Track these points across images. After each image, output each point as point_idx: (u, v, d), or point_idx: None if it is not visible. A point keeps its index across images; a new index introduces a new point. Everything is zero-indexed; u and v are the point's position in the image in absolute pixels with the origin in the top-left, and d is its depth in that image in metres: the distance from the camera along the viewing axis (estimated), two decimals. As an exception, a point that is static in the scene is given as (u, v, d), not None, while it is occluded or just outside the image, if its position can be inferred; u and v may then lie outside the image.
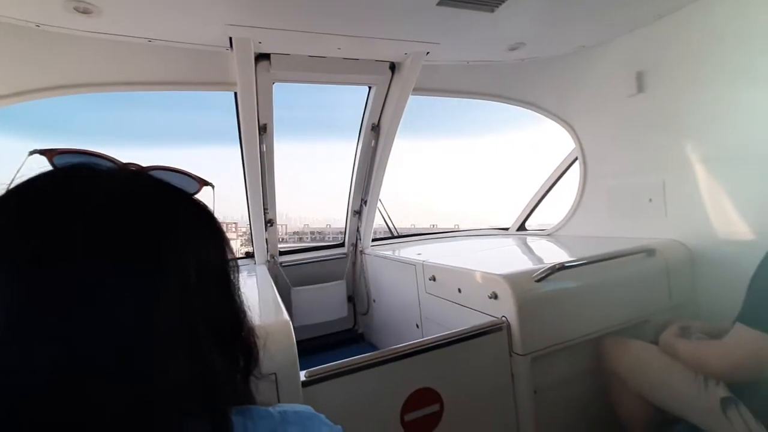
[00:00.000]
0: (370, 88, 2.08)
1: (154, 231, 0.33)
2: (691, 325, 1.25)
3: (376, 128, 2.20)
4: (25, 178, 0.33)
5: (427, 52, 1.80)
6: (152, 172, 0.41)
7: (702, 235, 1.68)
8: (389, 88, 2.03)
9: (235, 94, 1.78)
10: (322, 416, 0.41)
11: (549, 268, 1.36)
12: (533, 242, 2.39)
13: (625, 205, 2.04)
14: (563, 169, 2.58)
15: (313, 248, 2.76)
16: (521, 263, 1.88)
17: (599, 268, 1.49)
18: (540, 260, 1.95)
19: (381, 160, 2.28)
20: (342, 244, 2.75)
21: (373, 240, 2.74)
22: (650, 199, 1.89)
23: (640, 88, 1.87)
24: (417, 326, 1.99)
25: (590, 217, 2.27)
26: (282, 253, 2.57)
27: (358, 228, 2.62)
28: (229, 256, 0.40)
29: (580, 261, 1.47)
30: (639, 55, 1.86)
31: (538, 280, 1.35)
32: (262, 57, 1.63)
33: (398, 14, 1.46)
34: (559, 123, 2.40)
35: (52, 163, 0.40)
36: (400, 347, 1.22)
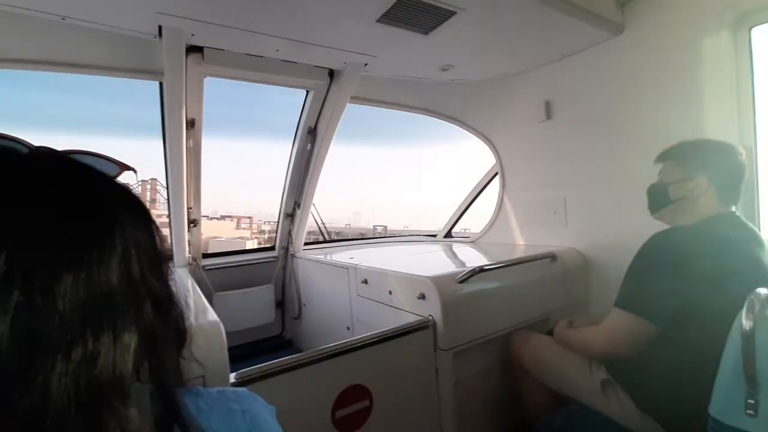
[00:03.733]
0: (307, 91, 2.10)
1: (94, 211, 0.33)
2: (576, 319, 1.46)
3: (312, 132, 2.21)
4: None
5: (365, 64, 1.88)
6: (72, 156, 0.40)
7: (595, 244, 1.97)
8: (327, 93, 2.06)
9: (161, 84, 1.67)
10: (258, 396, 0.44)
11: (470, 271, 1.49)
12: (458, 248, 2.58)
13: (536, 217, 2.30)
14: (485, 182, 2.83)
15: (241, 251, 2.66)
16: (446, 266, 2.03)
17: (512, 271, 1.68)
18: (463, 264, 2.11)
19: (316, 164, 2.29)
20: (272, 248, 2.69)
21: (305, 244, 2.72)
22: (555, 212, 2.16)
23: (548, 115, 2.15)
24: (348, 328, 2.02)
25: (507, 226, 2.52)
26: (206, 256, 2.43)
27: (290, 231, 2.59)
28: (158, 240, 0.40)
29: (496, 264, 1.64)
30: (548, 87, 2.13)
31: (461, 282, 1.48)
32: (193, 49, 1.55)
33: (339, 24, 1.51)
34: (482, 140, 2.63)
35: None
36: (332, 346, 1.25)
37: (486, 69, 2.11)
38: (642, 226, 1.20)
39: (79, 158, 0.40)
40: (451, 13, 1.47)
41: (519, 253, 2.03)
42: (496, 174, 2.65)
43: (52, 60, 1.41)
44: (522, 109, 2.30)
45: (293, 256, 2.62)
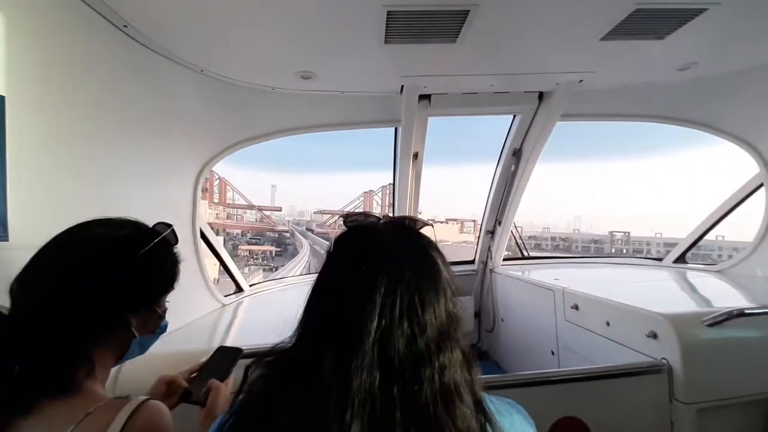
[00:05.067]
0: (514, 115, 2.17)
1: (426, 258, 0.51)
2: None
3: (517, 153, 2.27)
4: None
5: (581, 80, 1.80)
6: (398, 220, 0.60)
7: None
8: (535, 115, 2.08)
9: (396, 129, 2.07)
10: (523, 409, 0.55)
11: (725, 313, 1.25)
12: (696, 278, 2.13)
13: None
14: (741, 197, 2.23)
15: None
16: (684, 302, 1.72)
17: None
18: (708, 301, 1.75)
19: (520, 184, 2.33)
20: (472, 261, 2.86)
21: (504, 259, 2.77)
22: None
23: None
24: (552, 353, 1.98)
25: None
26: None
27: (489, 247, 2.70)
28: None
29: (765, 308, 1.31)
30: None
31: (710, 325, 1.25)
32: (423, 97, 1.87)
33: (555, 49, 1.52)
34: (738, 144, 2.09)
35: (345, 221, 0.60)
36: (546, 373, 1.28)
37: (741, 60, 1.68)
38: None
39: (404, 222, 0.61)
40: (699, 11, 1.28)
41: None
42: (760, 186, 2.06)
43: (329, 123, 1.99)
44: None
45: (492, 271, 2.72)
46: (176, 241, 0.71)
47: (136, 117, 1.29)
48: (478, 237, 2.78)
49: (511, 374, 1.24)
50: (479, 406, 0.47)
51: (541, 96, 1.99)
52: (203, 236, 1.86)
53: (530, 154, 2.18)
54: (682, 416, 1.23)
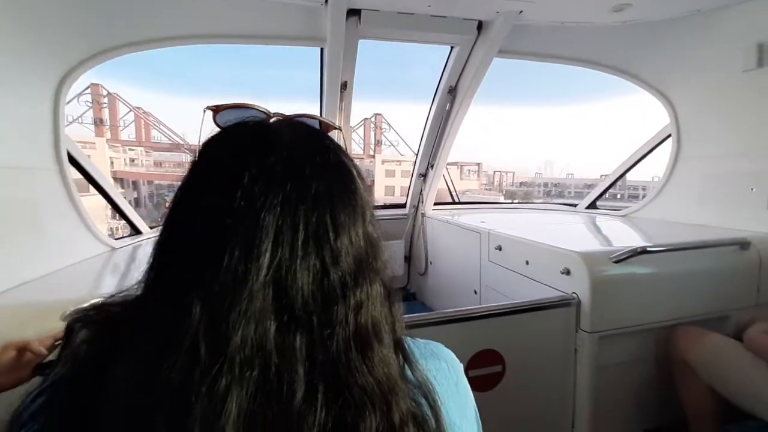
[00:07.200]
0: (451, 48, 2.02)
1: (339, 168, 0.38)
2: None
3: (452, 91, 2.15)
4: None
5: (521, 11, 1.69)
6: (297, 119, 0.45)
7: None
8: (473, 48, 1.95)
9: (322, 50, 1.81)
10: (452, 353, 0.47)
11: (630, 251, 1.32)
12: (606, 222, 2.29)
13: (721, 192, 1.87)
14: (650, 147, 2.38)
15: (376, 207, 2.85)
16: (595, 242, 1.83)
17: (684, 256, 1.43)
18: (614, 241, 1.88)
19: (454, 125, 2.25)
20: (403, 205, 2.81)
21: (435, 204, 2.76)
22: (752, 189, 1.72)
23: (761, 62, 1.65)
24: (475, 292, 2.04)
25: (677, 201, 2.11)
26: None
27: (421, 191, 2.65)
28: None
29: (664, 247, 1.42)
30: (763, 24, 1.62)
31: (617, 261, 1.32)
32: (352, 12, 1.62)
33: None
34: (653, 94, 2.19)
35: (215, 116, 0.44)
36: (467, 310, 1.29)
37: (675, 5, 1.69)
38: None
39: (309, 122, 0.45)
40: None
41: (691, 235, 1.69)
42: (666, 138, 2.21)
43: (237, 33, 1.64)
44: (718, 55, 1.81)
45: (423, 215, 2.70)
46: None
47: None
48: (410, 181, 2.71)
49: (432, 312, 1.21)
50: (399, 349, 0.38)
51: (480, 27, 1.86)
52: (80, 168, 1.52)
53: (466, 92, 2.08)
54: (585, 343, 1.32)
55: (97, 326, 0.36)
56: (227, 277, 0.30)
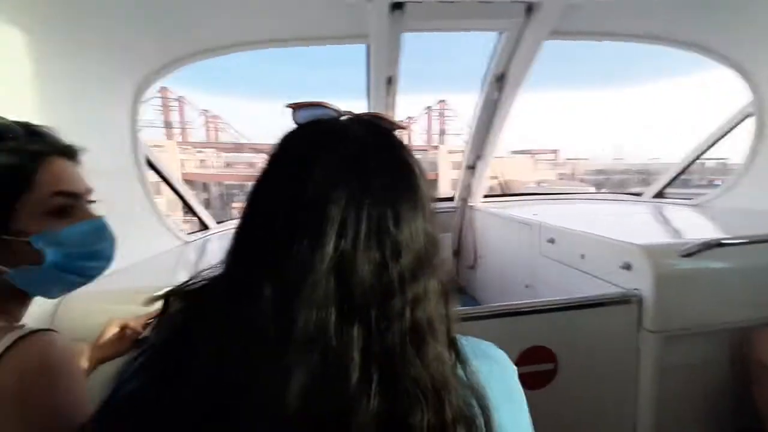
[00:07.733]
0: (500, 34, 1.94)
1: (403, 166, 0.40)
2: None
3: (501, 79, 2.07)
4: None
5: (574, -11, 1.59)
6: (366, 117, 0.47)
7: None
8: (522, 32, 1.86)
9: (367, 47, 1.83)
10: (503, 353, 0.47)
11: (702, 243, 1.20)
12: (675, 212, 2.10)
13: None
14: (728, 128, 2.13)
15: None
16: (661, 234, 1.69)
17: (765, 249, 1.27)
18: (684, 233, 1.72)
19: (502, 114, 2.17)
20: (452, 198, 2.78)
21: (485, 196, 2.70)
22: None
23: None
24: (527, 287, 1.98)
25: (759, 188, 1.88)
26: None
27: (470, 183, 2.60)
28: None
29: (742, 239, 1.27)
30: None
31: (686, 255, 1.21)
32: (395, 6, 1.62)
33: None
34: (733, 69, 1.95)
35: (294, 114, 0.45)
36: (517, 304, 1.26)
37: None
38: None
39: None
40: None
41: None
42: (746, 117, 1.96)
43: (289, 37, 1.71)
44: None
45: (472, 207, 2.65)
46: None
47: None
48: (460, 173, 2.67)
49: (482, 306, 1.20)
50: (453, 347, 0.39)
51: (529, 9, 1.76)
52: (154, 168, 1.69)
53: (515, 79, 2.00)
54: (648, 344, 1.23)
55: (187, 298, 0.40)
56: (294, 265, 0.33)
